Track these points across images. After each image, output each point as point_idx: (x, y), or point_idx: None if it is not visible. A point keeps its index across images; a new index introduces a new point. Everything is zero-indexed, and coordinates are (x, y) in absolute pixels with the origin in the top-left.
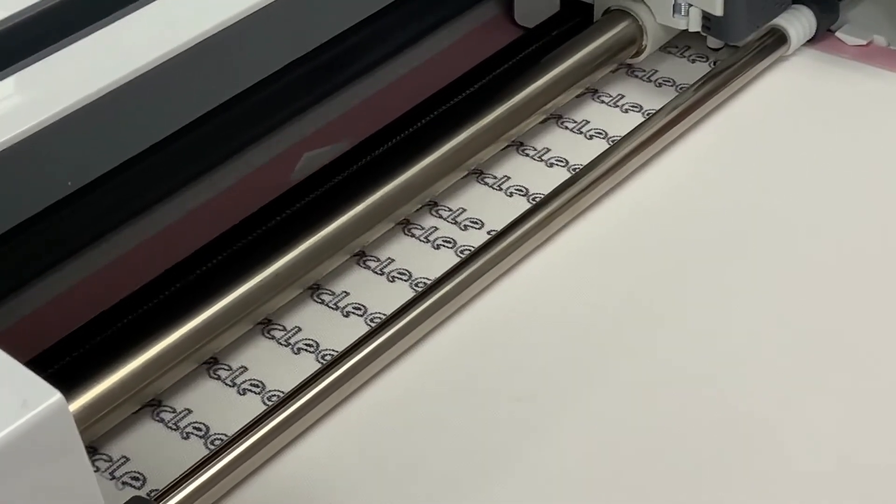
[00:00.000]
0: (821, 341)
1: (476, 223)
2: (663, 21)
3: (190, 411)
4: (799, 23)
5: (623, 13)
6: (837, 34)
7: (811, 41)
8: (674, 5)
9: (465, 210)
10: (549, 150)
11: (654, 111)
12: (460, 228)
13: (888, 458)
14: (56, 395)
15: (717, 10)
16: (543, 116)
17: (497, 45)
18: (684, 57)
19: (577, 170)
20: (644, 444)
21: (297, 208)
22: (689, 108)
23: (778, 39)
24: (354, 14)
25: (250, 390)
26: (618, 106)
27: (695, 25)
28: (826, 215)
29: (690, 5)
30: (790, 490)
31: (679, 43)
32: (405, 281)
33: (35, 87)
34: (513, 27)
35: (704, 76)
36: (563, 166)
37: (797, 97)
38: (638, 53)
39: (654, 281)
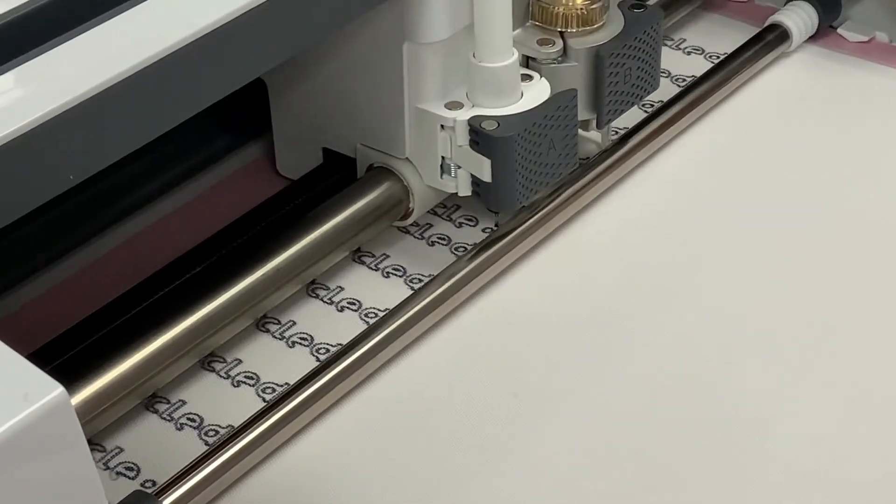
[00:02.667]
0: (820, 341)
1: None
2: (430, 183)
3: (184, 402)
4: (801, 19)
5: (386, 171)
6: (839, 31)
7: (813, 38)
8: (441, 166)
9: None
10: (294, 322)
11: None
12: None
13: (883, 458)
14: (58, 389)
15: (486, 175)
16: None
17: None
18: (451, 220)
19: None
20: (640, 441)
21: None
22: (691, 103)
23: (780, 36)
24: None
25: (244, 382)
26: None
27: (464, 189)
28: (827, 211)
29: (459, 167)
30: (784, 489)
31: (448, 202)
32: (399, 277)
33: (34, 83)
34: (276, 177)
35: (706, 73)
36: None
37: (799, 93)
38: (406, 216)
39: (654, 280)
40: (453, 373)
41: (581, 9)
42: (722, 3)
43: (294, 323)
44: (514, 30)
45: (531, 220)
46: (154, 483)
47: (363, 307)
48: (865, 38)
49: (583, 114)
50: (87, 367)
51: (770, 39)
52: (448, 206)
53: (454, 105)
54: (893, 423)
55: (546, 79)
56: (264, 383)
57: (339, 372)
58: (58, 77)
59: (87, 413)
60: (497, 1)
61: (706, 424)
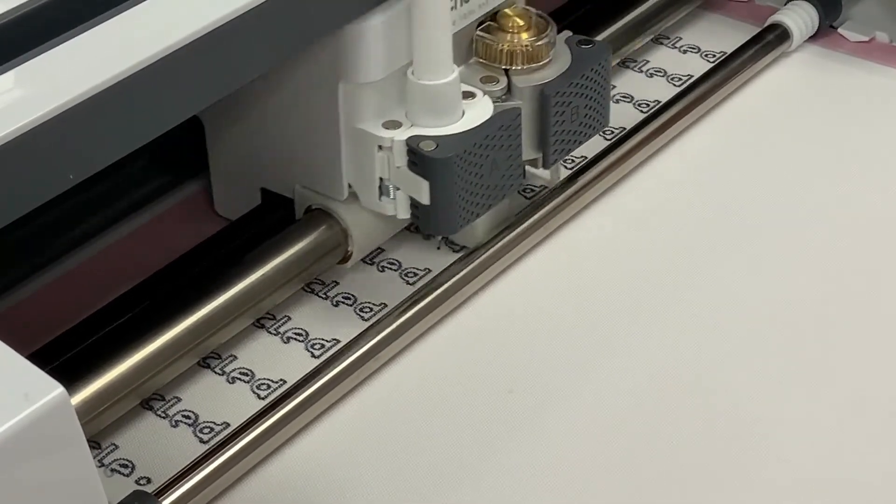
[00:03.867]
0: (820, 341)
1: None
2: (369, 205)
3: (179, 399)
4: (801, 19)
5: (325, 214)
6: (839, 30)
7: (813, 37)
8: (380, 187)
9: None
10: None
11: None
12: None
13: (883, 458)
14: (58, 389)
15: (424, 198)
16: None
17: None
18: (372, 264)
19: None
20: (638, 441)
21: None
22: (691, 103)
23: (780, 36)
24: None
25: (239, 379)
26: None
27: (403, 212)
28: (827, 211)
29: (398, 189)
30: (783, 490)
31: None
32: (395, 271)
33: (34, 83)
34: (215, 217)
35: (706, 73)
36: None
37: (799, 93)
38: (345, 259)
39: (653, 280)
40: (453, 373)
41: (526, 46)
42: (722, 2)
43: (289, 318)
44: (457, 67)
45: (531, 220)
46: (149, 480)
47: (357, 302)
48: (866, 38)
49: (528, 153)
50: (88, 366)
51: (770, 39)
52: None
53: (392, 124)
54: (893, 423)
55: None
56: (259, 380)
57: (339, 372)
58: (58, 77)
59: (87, 413)
60: (436, 15)
61: (705, 424)
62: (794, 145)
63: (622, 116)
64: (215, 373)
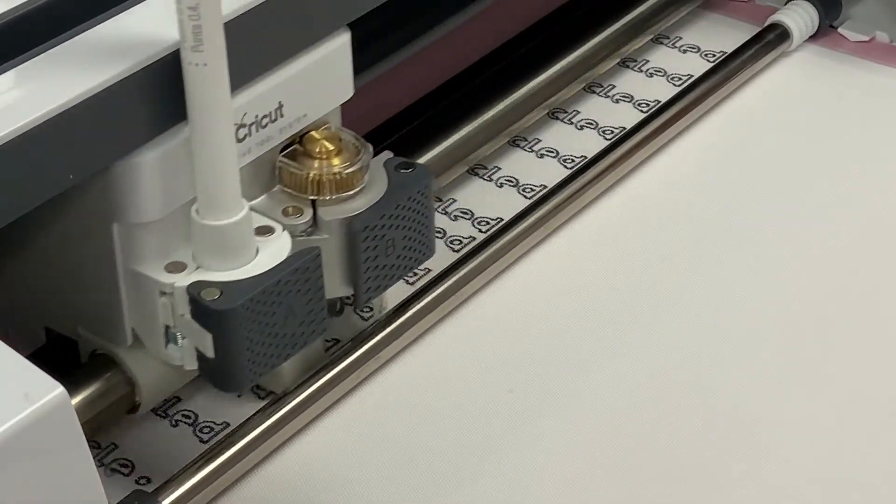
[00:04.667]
0: (820, 341)
1: None
2: (156, 353)
3: (179, 399)
4: (801, 19)
5: (109, 360)
6: (840, 30)
7: (813, 37)
8: (166, 334)
9: None
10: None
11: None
12: None
13: (883, 458)
14: (58, 389)
15: (209, 350)
16: None
17: None
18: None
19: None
20: (637, 440)
21: None
22: (691, 103)
23: (780, 35)
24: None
25: None
26: None
27: (190, 362)
28: (827, 211)
29: (184, 337)
30: (783, 490)
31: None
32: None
33: (34, 83)
34: None
35: (706, 73)
36: None
37: (799, 93)
38: (134, 409)
39: (652, 280)
40: (453, 373)
41: (336, 173)
42: (722, 2)
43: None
44: (258, 196)
45: (531, 220)
46: (148, 480)
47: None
48: (866, 38)
49: (339, 290)
50: (88, 366)
51: (770, 39)
52: None
53: (176, 266)
54: (893, 423)
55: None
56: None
57: (339, 372)
58: (58, 77)
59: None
60: (218, 149)
61: (705, 424)
62: (795, 145)
63: (622, 116)
64: None
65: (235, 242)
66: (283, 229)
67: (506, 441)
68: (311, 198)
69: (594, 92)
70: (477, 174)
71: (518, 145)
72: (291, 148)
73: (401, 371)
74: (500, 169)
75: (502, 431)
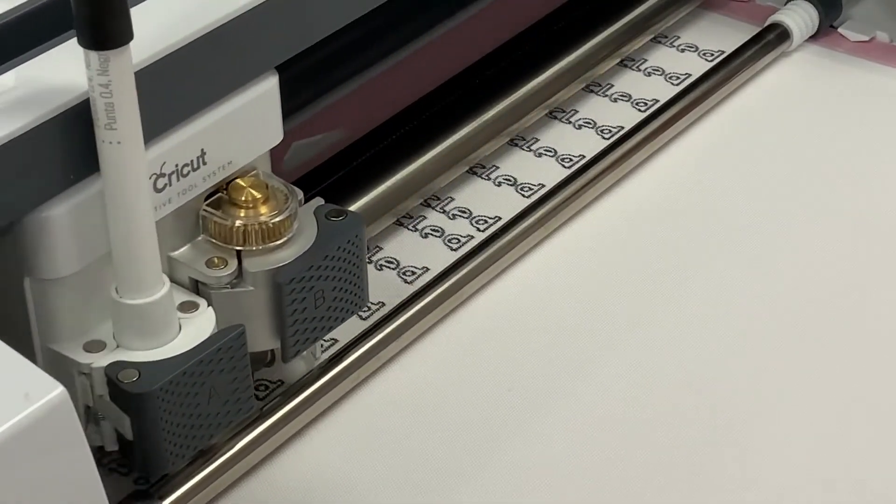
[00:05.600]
0: (820, 341)
1: None
2: None
3: None
4: (801, 19)
5: None
6: (840, 30)
7: (813, 37)
8: (86, 414)
9: None
10: None
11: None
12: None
13: (883, 458)
14: (58, 389)
15: (128, 433)
16: None
17: None
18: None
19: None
20: (637, 440)
21: None
22: (691, 103)
23: (780, 35)
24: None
25: None
26: None
27: (110, 443)
28: (827, 211)
29: (103, 418)
30: (783, 490)
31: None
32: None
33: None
34: None
35: (706, 73)
36: None
37: (799, 93)
38: None
39: (652, 280)
40: (453, 372)
41: (263, 223)
42: (722, 2)
43: None
44: (180, 247)
45: (530, 221)
46: (146, 480)
47: None
48: (866, 38)
49: (266, 343)
50: None
51: (770, 39)
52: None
53: (95, 345)
54: (893, 423)
55: (218, 307)
56: (258, 380)
57: (338, 372)
58: (58, 76)
59: None
60: (136, 224)
61: (704, 424)
62: (794, 145)
63: (620, 116)
64: None
65: (156, 321)
66: (208, 305)
67: (505, 440)
68: (237, 248)
69: (592, 91)
70: (475, 173)
71: (516, 144)
72: (216, 196)
73: (401, 371)
74: (497, 168)
75: (502, 430)
